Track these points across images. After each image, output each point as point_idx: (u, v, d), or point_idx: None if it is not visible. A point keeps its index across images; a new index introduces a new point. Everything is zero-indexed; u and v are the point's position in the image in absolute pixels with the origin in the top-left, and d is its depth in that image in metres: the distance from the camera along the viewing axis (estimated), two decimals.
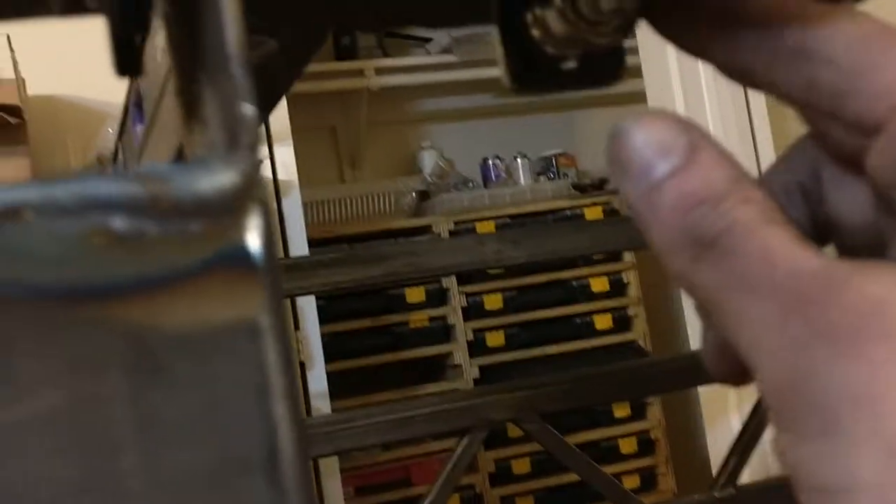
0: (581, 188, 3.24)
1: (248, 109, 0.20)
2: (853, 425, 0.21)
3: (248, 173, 0.19)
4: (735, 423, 2.66)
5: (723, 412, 2.83)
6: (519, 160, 3.30)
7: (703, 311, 0.27)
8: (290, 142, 2.35)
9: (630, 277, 3.14)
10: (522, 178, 3.29)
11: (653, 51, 2.50)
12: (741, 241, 0.24)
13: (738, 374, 0.27)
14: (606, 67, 0.32)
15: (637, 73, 2.73)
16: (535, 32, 0.31)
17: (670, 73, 2.54)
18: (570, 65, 0.32)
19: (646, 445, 3.16)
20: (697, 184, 0.25)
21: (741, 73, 0.29)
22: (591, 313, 3.12)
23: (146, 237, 0.19)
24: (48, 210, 0.18)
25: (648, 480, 3.14)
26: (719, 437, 2.82)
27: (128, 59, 0.25)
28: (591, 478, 1.43)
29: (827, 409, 0.21)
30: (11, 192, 0.18)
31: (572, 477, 2.68)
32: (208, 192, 0.19)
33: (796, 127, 0.30)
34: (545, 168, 3.35)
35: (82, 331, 0.18)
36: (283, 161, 2.39)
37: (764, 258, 0.24)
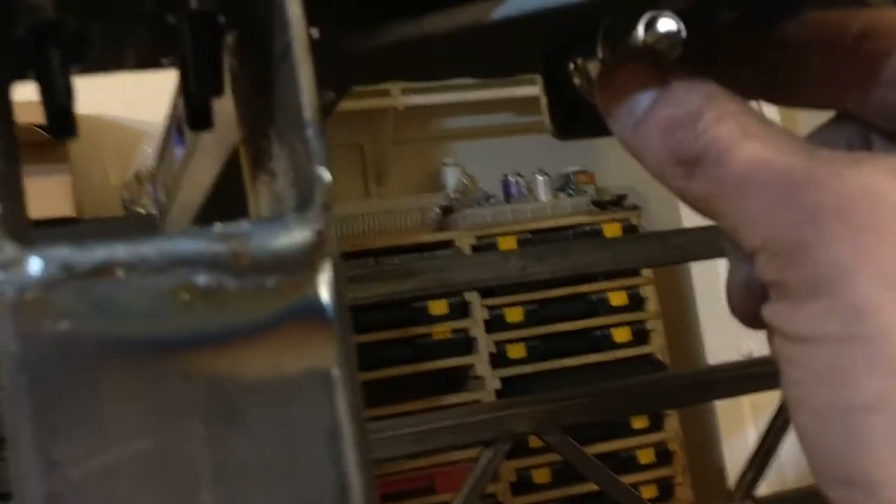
0: (600, 204, 3.24)
1: (323, 172, 0.20)
2: (836, 293, 0.25)
3: (321, 231, 0.20)
4: (751, 436, 2.64)
5: (739, 425, 2.82)
6: (539, 177, 3.30)
7: (729, 245, 0.29)
8: None
9: (648, 292, 3.13)
10: (542, 194, 3.29)
11: None
12: (725, 154, 0.26)
13: (758, 314, 0.29)
14: None
15: None
16: (577, 81, 0.32)
17: None
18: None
19: (663, 456, 3.14)
20: (673, 109, 0.27)
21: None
22: (609, 326, 3.11)
23: (226, 292, 0.19)
24: (137, 267, 0.19)
25: (666, 490, 3.13)
26: (735, 449, 2.81)
27: (201, 114, 0.25)
28: (610, 488, 1.43)
29: (818, 279, 0.25)
30: (103, 250, 0.19)
31: (592, 486, 2.66)
32: (284, 249, 0.20)
33: None
34: (565, 185, 3.35)
35: (167, 381, 0.19)
36: None
37: (750, 163, 0.26)
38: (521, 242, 2.99)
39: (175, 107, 0.91)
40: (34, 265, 0.19)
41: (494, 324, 2.96)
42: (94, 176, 2.38)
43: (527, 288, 2.90)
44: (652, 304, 3.14)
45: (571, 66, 0.32)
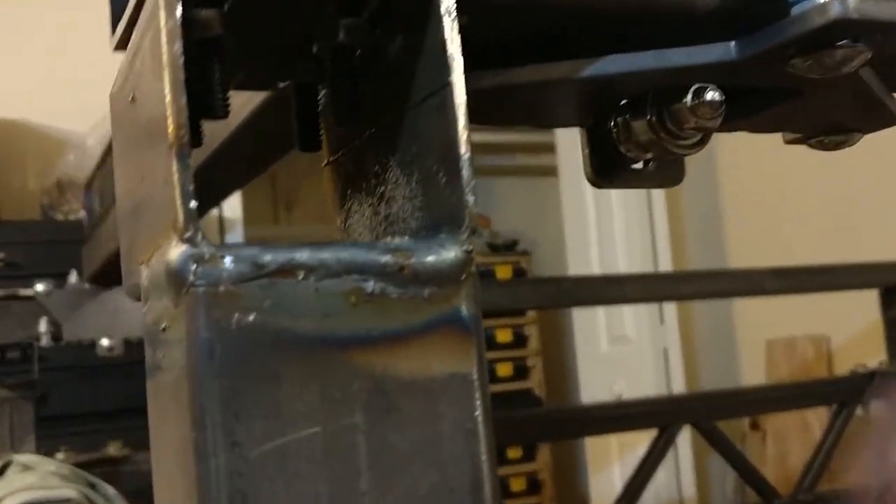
0: (494, 247, 3.29)
1: (472, 200, 0.22)
2: None
3: (468, 251, 0.21)
4: (616, 472, 2.71)
5: (606, 461, 2.88)
6: None
7: None
8: None
9: (531, 331, 3.19)
10: None
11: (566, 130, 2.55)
12: None
13: None
14: (673, 171, 0.35)
15: (550, 148, 2.80)
16: (616, 136, 0.34)
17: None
18: (640, 165, 0.35)
19: (534, 485, 3.19)
20: None
21: None
22: (494, 361, 3.15)
23: (388, 298, 0.21)
24: (316, 270, 0.20)
25: None
26: (601, 482, 2.87)
27: (314, 138, 0.26)
28: None
29: None
30: (287, 252, 0.20)
31: None
32: (440, 264, 0.21)
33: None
34: None
35: (335, 374, 0.20)
36: (229, 201, 2.37)
37: None
38: None
39: None
40: (227, 262, 0.19)
41: None
42: (14, 180, 2.28)
43: None
44: (534, 342, 3.21)
45: (611, 124, 0.34)
